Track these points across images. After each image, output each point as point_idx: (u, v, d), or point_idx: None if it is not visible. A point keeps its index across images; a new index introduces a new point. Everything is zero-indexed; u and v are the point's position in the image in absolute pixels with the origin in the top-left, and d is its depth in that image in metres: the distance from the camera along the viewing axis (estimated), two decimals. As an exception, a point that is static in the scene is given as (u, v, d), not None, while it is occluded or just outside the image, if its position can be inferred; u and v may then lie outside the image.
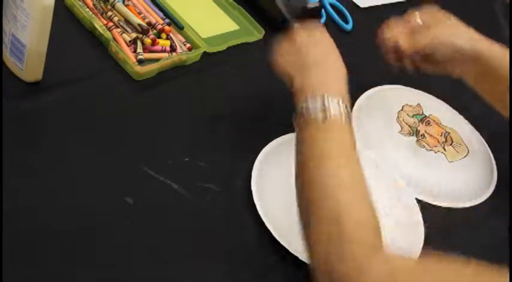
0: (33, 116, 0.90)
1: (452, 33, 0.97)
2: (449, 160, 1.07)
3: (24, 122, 0.89)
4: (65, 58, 0.98)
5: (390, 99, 1.14)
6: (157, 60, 1.02)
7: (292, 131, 0.99)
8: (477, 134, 1.15)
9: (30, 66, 0.91)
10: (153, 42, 1.03)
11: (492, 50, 0.96)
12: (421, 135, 1.08)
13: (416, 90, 1.18)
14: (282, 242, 0.86)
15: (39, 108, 0.92)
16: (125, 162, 0.90)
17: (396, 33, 0.98)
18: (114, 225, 0.83)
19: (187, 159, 0.94)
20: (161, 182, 0.89)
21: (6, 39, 0.91)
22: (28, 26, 0.86)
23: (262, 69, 1.12)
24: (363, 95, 1.13)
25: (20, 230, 0.79)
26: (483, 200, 1.04)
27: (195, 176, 0.92)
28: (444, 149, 1.08)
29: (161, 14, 1.09)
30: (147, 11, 1.09)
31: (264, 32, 1.16)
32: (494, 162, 1.11)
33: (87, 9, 1.04)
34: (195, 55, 1.07)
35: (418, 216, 0.96)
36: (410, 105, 1.13)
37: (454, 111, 1.17)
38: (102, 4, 1.05)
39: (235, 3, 1.18)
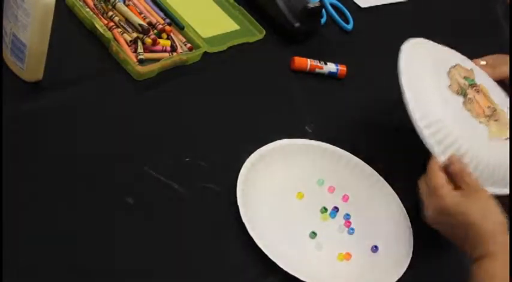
0: (33, 115, 0.90)
1: None
2: (491, 136, 0.97)
3: (25, 122, 0.89)
4: (65, 58, 0.98)
5: (444, 52, 1.06)
6: (158, 60, 1.02)
7: (290, 137, 1.00)
8: None
9: (30, 66, 0.91)
10: (154, 42, 1.03)
11: None
12: (469, 98, 0.98)
13: (471, 61, 1.08)
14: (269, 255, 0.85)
15: (39, 108, 0.92)
16: (126, 162, 0.90)
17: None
18: (114, 225, 0.84)
19: (187, 159, 0.94)
20: (161, 182, 0.90)
21: (7, 39, 0.91)
22: (29, 25, 0.86)
23: (263, 70, 1.13)
24: (413, 40, 1.03)
25: (19, 230, 0.79)
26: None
27: (195, 176, 0.92)
28: (488, 123, 0.98)
29: (162, 14, 1.09)
30: (148, 11, 1.09)
31: (264, 32, 1.16)
32: None
33: (88, 9, 1.04)
34: (196, 55, 1.07)
35: None
36: (464, 67, 1.04)
37: (505, 93, 1.07)
38: (102, 4, 1.05)
39: (235, 3, 1.18)
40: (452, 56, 1.06)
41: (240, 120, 1.03)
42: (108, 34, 1.01)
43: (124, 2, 1.07)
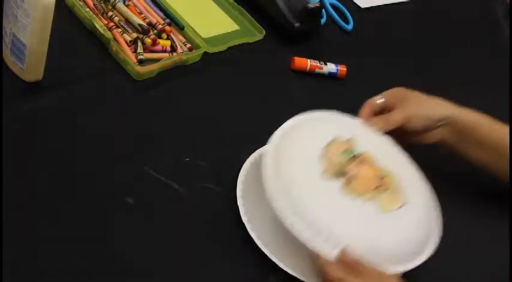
0: (33, 116, 0.90)
1: (423, 105, 0.97)
2: (383, 210, 0.86)
3: (25, 122, 0.89)
4: (65, 58, 0.98)
5: (321, 127, 0.93)
6: (157, 60, 1.02)
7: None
8: (422, 178, 0.94)
9: (30, 66, 0.91)
10: (154, 42, 1.03)
11: (464, 114, 0.98)
12: (350, 177, 0.86)
13: (354, 119, 0.96)
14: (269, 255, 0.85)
15: (39, 108, 0.92)
16: (126, 162, 0.90)
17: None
18: (114, 225, 0.84)
19: (187, 159, 0.94)
20: (161, 182, 0.90)
21: (7, 39, 0.91)
22: (29, 26, 0.86)
23: (263, 70, 1.13)
24: (285, 125, 0.92)
25: (19, 230, 0.79)
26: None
27: (195, 176, 0.92)
28: (377, 196, 0.86)
29: (162, 14, 1.09)
30: (148, 11, 1.09)
31: (264, 32, 1.16)
32: (437, 216, 0.91)
33: (88, 9, 1.04)
34: (196, 55, 1.07)
35: None
36: (341, 140, 0.90)
37: (398, 149, 0.95)
38: (102, 4, 1.06)
39: (235, 3, 1.18)
40: (330, 129, 0.92)
41: (240, 120, 1.03)
42: (108, 34, 1.01)
43: (124, 2, 1.07)
